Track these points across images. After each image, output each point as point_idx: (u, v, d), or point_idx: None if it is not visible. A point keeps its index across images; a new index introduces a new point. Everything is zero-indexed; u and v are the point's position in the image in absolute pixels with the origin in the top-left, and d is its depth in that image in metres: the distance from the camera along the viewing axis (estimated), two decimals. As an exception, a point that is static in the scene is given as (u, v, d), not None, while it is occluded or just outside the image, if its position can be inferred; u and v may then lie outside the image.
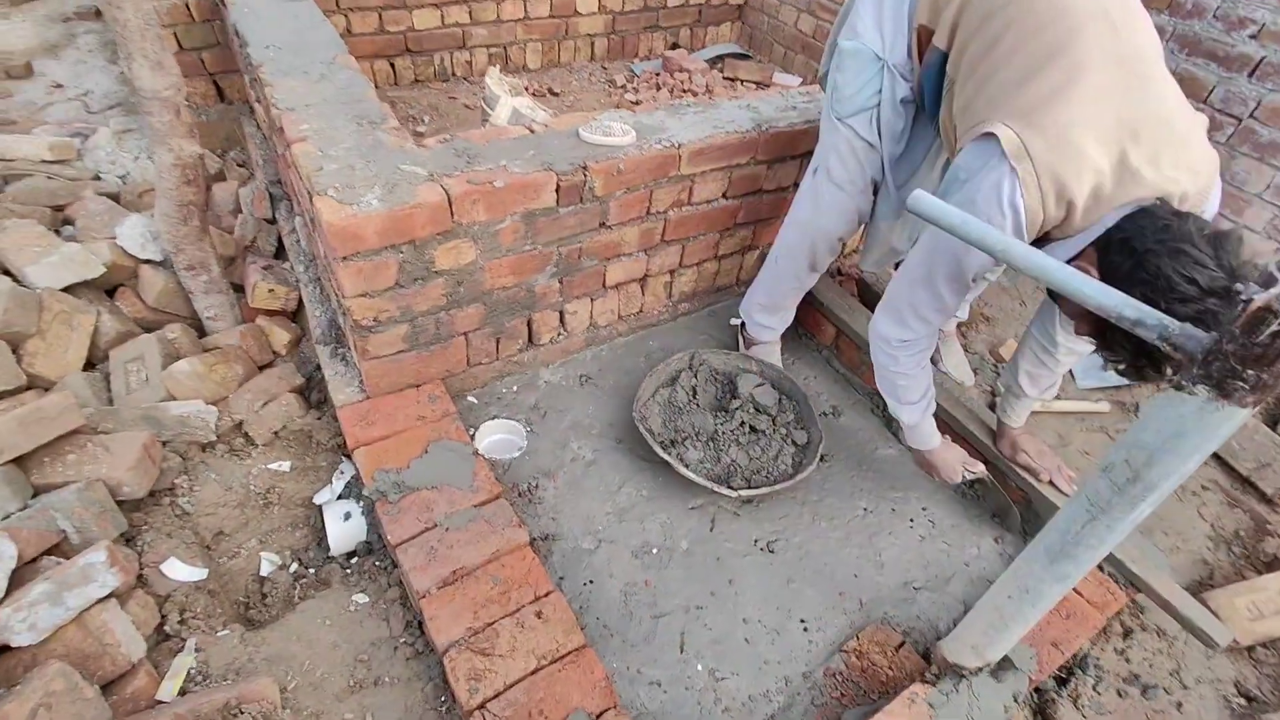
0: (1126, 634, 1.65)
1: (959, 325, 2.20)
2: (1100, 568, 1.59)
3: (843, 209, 1.67)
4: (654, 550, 1.65)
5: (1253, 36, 2.17)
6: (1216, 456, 2.00)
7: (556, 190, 1.67)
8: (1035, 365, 1.64)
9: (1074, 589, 1.54)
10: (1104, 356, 1.22)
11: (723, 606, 1.56)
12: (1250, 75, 2.20)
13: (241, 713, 1.23)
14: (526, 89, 3.26)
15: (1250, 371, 0.82)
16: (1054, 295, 1.42)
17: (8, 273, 1.90)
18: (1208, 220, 1.16)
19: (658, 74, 3.50)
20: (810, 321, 2.21)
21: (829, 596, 1.59)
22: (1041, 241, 1.29)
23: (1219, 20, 2.23)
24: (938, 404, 1.79)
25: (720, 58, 3.78)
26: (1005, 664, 1.38)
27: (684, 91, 3.30)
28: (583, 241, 1.82)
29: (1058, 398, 2.17)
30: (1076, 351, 1.57)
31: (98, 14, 4.12)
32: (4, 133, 2.82)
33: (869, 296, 2.40)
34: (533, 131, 1.79)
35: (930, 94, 1.45)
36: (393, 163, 1.58)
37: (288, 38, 2.07)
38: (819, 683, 1.45)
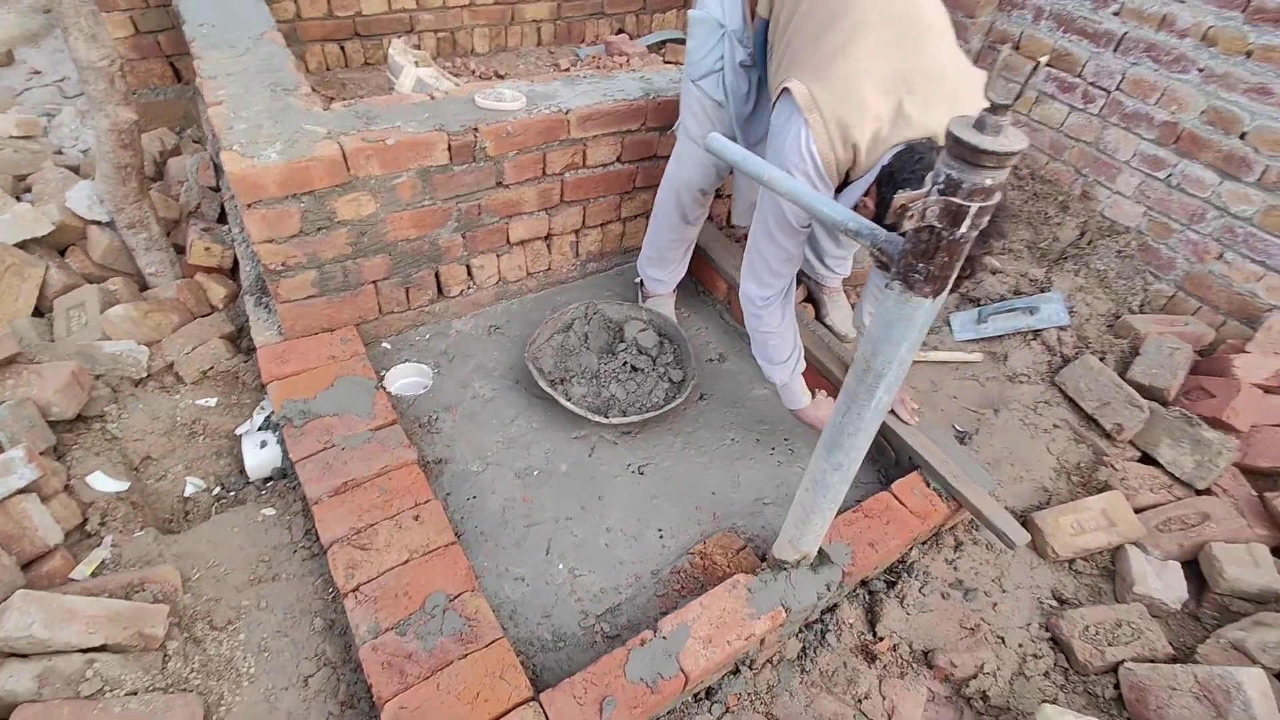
0: (957, 546, 1.84)
1: (844, 282, 2.38)
2: (926, 483, 1.77)
3: (700, 161, 1.85)
4: (535, 472, 1.84)
5: (1115, 13, 2.35)
6: (1068, 399, 2.18)
7: (449, 149, 1.85)
8: (875, 303, 1.82)
9: (897, 499, 1.72)
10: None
11: (590, 518, 1.75)
12: (1115, 49, 2.38)
13: (143, 590, 1.42)
14: (475, 72, 3.45)
15: (921, 264, 1.00)
16: None
17: (-36, 230, 2.10)
18: None
19: (600, 58, 3.68)
20: (706, 278, 2.39)
21: (686, 510, 1.78)
22: (845, 184, 1.48)
23: (1088, -1, 2.40)
24: (809, 347, 1.98)
25: (663, 43, 3.96)
26: (822, 558, 1.57)
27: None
28: (481, 199, 2.01)
29: (934, 348, 2.35)
30: None
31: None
32: (-26, 111, 3.01)
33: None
34: (433, 98, 1.98)
35: (760, 59, 1.64)
36: (298, 123, 1.77)
37: (221, 17, 2.26)
38: (665, 579, 1.64)
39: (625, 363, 2.00)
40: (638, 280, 2.31)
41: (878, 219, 1.36)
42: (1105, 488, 1.95)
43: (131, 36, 2.81)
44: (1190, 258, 2.40)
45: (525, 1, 3.62)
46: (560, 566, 1.64)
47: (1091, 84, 2.46)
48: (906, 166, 1.30)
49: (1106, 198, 2.55)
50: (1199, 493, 1.97)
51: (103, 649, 1.29)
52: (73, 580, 1.43)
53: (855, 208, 1.48)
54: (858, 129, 1.36)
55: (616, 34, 3.93)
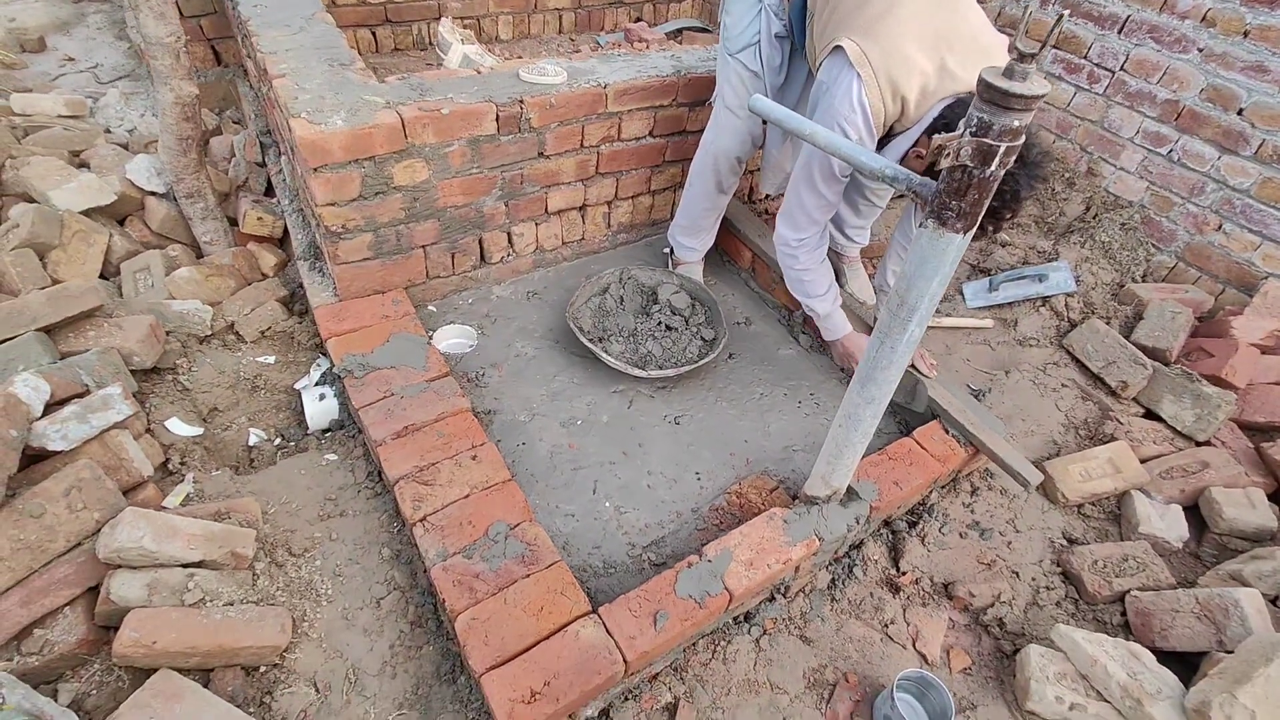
0: (974, 491, 1.97)
1: (861, 251, 2.50)
2: (945, 430, 1.90)
3: (736, 130, 1.98)
4: (579, 422, 1.96)
5: (1120, -3, 2.47)
6: (1076, 360, 2.31)
7: (496, 119, 1.98)
8: (898, 263, 1.96)
9: (919, 444, 1.85)
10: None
11: (632, 463, 1.87)
12: (1119, 32, 2.50)
13: (229, 517, 1.54)
14: (500, 58, 3.57)
15: (954, 202, 1.13)
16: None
17: (32, 198, 2.22)
18: None
19: (619, 45, 3.80)
20: (731, 248, 2.52)
21: (721, 456, 1.91)
22: (889, 137, 1.63)
23: (1094, -17, 2.53)
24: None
25: (680, 30, 4.08)
26: (851, 494, 1.69)
27: (642, 59, 3.60)
28: (524, 168, 2.13)
29: (948, 315, 2.48)
30: None
31: (106, -9, 4.41)
32: (23, 94, 3.14)
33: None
34: (479, 73, 2.10)
35: (797, 28, 1.77)
36: (357, 94, 1.89)
37: (273, -1, 2.38)
38: (704, 515, 1.77)
39: (660, 322, 2.13)
40: (667, 249, 2.44)
41: (931, 167, 1.50)
42: (1111, 439, 2.07)
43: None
44: (1190, 229, 2.52)
45: (548, -11, 3.74)
46: (607, 505, 1.77)
47: (1097, 65, 2.59)
48: (959, 117, 1.44)
49: (1111, 174, 2.68)
50: (1199, 444, 2.10)
51: (200, 565, 1.41)
52: (165, 508, 1.56)
53: (904, 159, 1.63)
54: (905, 83, 1.51)
55: (635, 22, 4.05)
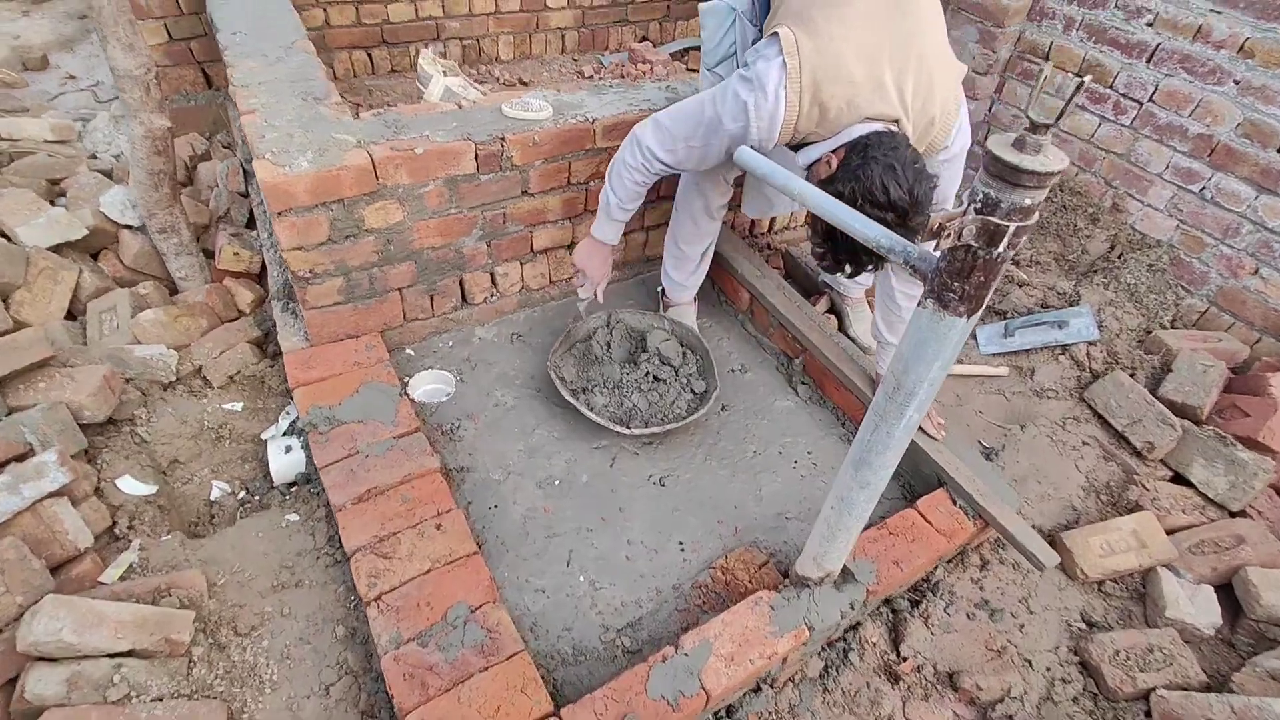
0: (983, 565, 1.81)
1: (866, 294, 2.36)
2: (952, 500, 1.75)
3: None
4: (556, 482, 1.84)
5: (1149, 24, 2.31)
6: (1098, 416, 2.14)
7: (475, 158, 1.86)
8: (886, 313, 1.82)
9: (923, 516, 1.70)
10: (814, 255, 1.47)
11: (611, 530, 1.74)
12: (1148, 61, 2.34)
13: (170, 595, 1.43)
14: (489, 76, 3.48)
15: (956, 284, 0.99)
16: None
17: (5, 234, 2.15)
18: (929, 159, 1.43)
19: (623, 65, 3.69)
20: (728, 289, 2.38)
21: (708, 524, 1.77)
22: (801, 145, 1.51)
23: (1120, 9, 2.36)
24: (832, 359, 1.97)
25: (685, 51, 3.96)
26: (846, 575, 1.55)
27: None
28: (506, 207, 2.01)
29: (959, 361, 2.32)
30: (910, 294, 1.75)
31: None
32: (11, 117, 3.08)
33: (796, 270, 2.57)
34: (460, 107, 1.99)
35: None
36: (328, 132, 1.79)
37: (254, 25, 2.29)
38: (686, 593, 1.63)
39: (648, 373, 2.00)
40: (659, 289, 2.31)
41: (833, 180, 1.39)
42: (1136, 508, 1.91)
43: (165, 44, 2.86)
44: (1224, 273, 2.35)
45: (550, 10, 3.64)
46: (581, 579, 1.64)
47: (1123, 95, 2.42)
48: (881, 147, 1.35)
49: (1137, 210, 2.51)
50: (1233, 514, 1.93)
51: (130, 654, 1.30)
52: (102, 584, 1.45)
53: (813, 164, 1.50)
54: (830, 89, 1.41)
55: (640, 41, 3.94)
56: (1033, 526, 1.89)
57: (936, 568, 1.77)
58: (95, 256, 2.30)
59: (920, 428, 1.85)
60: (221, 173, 2.61)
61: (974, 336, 2.41)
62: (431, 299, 2.09)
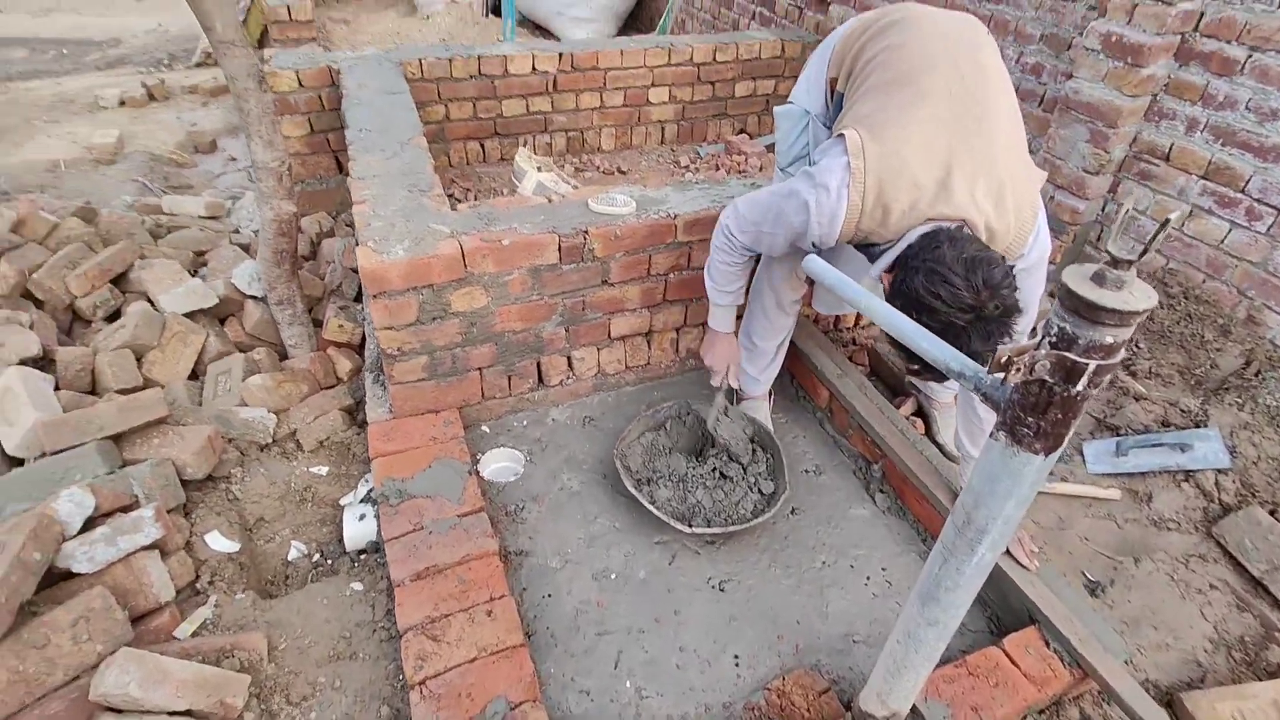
0: (1083, 721, 1.59)
1: (954, 397, 2.22)
2: (1046, 643, 1.56)
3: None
4: (613, 576, 1.80)
5: (1286, 127, 2.14)
6: (1229, 556, 1.88)
7: (559, 249, 1.94)
8: (967, 422, 1.71)
9: (1010, 660, 1.52)
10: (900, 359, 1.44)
11: (663, 633, 1.67)
12: (1286, 165, 2.15)
13: (232, 655, 1.49)
14: (600, 168, 3.66)
15: (1030, 419, 0.91)
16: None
17: (148, 299, 2.42)
18: (984, 246, 1.31)
19: (719, 156, 3.79)
20: (806, 385, 2.31)
21: (767, 637, 1.66)
22: (868, 247, 1.46)
23: (1251, 111, 2.21)
24: (914, 467, 1.86)
25: (784, 142, 4.03)
26: (915, 716, 1.40)
27: (739, 172, 3.56)
28: (586, 295, 2.07)
29: (1063, 479, 2.13)
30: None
31: (268, 103, 5.00)
32: (176, 195, 3.54)
33: (881, 368, 2.47)
34: (550, 201, 2.09)
35: None
36: (426, 222, 1.92)
37: (379, 123, 2.54)
38: (737, 715, 1.52)
39: (715, 469, 1.95)
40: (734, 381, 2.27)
41: (892, 297, 1.35)
42: (1278, 672, 1.63)
43: (306, 135, 3.21)
44: (1389, 400, 2.05)
45: (652, 105, 3.83)
46: (628, 684, 1.57)
47: (1257, 200, 2.23)
48: (920, 254, 1.30)
49: (1277, 324, 2.26)
50: None
51: (188, 714, 1.35)
52: (175, 638, 1.53)
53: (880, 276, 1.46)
54: (893, 192, 1.37)
55: (737, 134, 4.05)
56: (1145, 681, 1.66)
57: (1026, 718, 1.57)
58: (222, 322, 2.55)
59: (1009, 553, 1.69)
60: (338, 250, 2.86)
61: (1081, 452, 2.20)
62: (509, 379, 2.16)
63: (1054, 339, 0.85)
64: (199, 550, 1.79)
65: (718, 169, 3.65)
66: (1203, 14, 2.26)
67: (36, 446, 1.78)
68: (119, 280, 2.50)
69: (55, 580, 1.48)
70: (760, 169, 3.59)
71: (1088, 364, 0.83)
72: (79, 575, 1.48)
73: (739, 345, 1.97)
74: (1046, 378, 0.86)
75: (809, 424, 2.28)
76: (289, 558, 1.93)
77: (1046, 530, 2.00)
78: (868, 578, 1.81)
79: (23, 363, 2.04)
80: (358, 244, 1.83)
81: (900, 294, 1.30)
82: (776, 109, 1.82)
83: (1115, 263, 0.80)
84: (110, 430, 1.77)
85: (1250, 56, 2.18)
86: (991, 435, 0.98)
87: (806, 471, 2.10)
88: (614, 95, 3.71)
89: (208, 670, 1.39)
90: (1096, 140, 2.50)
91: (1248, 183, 2.25)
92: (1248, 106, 2.21)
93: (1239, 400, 2.21)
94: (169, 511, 1.72)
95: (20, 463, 1.83)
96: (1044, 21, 2.76)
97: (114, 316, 2.44)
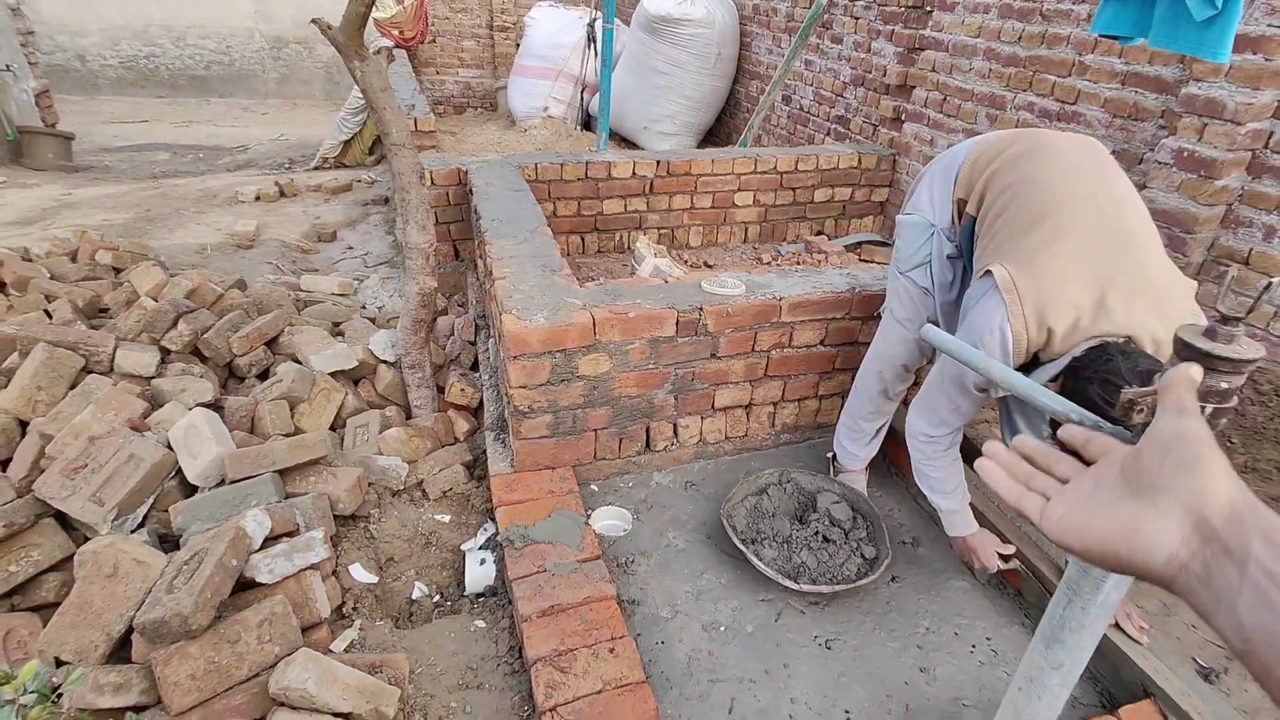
0: (1208, 805, 1.56)
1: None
2: (1163, 715, 1.56)
3: (904, 340, 1.99)
4: (721, 628, 1.88)
5: (1364, 234, 2.25)
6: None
7: (676, 323, 2.16)
8: None
9: (1128, 728, 1.53)
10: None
11: (774, 684, 1.73)
12: (1368, 269, 2.25)
13: (381, 671, 1.63)
14: (679, 259, 3.96)
15: (1153, 457, 1.03)
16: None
17: (295, 360, 2.73)
18: (1154, 359, 1.37)
19: (799, 255, 4.06)
20: (900, 461, 2.42)
21: (876, 696, 1.71)
22: (1033, 363, 1.55)
23: (1328, 219, 2.33)
24: (1014, 541, 1.93)
25: (860, 244, 4.28)
26: (1036, 777, 1.42)
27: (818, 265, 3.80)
28: (695, 367, 2.27)
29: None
30: None
31: (386, 201, 5.59)
32: (311, 275, 3.96)
33: (970, 452, 2.56)
34: (666, 282, 2.34)
35: (967, 251, 1.80)
36: (560, 296, 2.18)
37: (508, 214, 2.89)
38: (852, 767, 1.56)
39: (817, 532, 2.05)
40: (830, 454, 2.40)
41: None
42: None
43: (433, 225, 3.61)
44: None
45: (737, 207, 4.16)
46: (742, 730, 1.63)
47: (1341, 301, 2.32)
48: (1093, 365, 1.37)
49: (1376, 422, 2.28)
50: None
51: (348, 716, 1.48)
52: (331, 651, 1.68)
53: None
54: (1054, 315, 1.46)
55: (816, 235, 4.33)
56: (1271, 770, 1.62)
57: (1146, 795, 1.56)
58: (357, 383, 2.83)
59: (1119, 627, 1.72)
60: (459, 325, 3.16)
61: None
62: (620, 441, 2.33)
63: (1173, 384, 0.99)
64: (344, 579, 1.96)
65: (799, 264, 3.90)
66: (1273, 133, 2.44)
67: (215, 477, 2.03)
68: (270, 343, 2.84)
69: (234, 591, 1.67)
70: (842, 265, 3.83)
71: (1205, 407, 0.97)
72: (257, 586, 1.67)
73: (966, 514, 1.94)
74: (1167, 418, 1.00)
75: (903, 498, 2.36)
76: (413, 596, 2.08)
77: (1151, 615, 2.00)
78: (973, 646, 1.84)
79: (200, 406, 2.33)
80: (502, 313, 2.09)
81: (1072, 397, 1.35)
82: (900, 218, 1.97)
83: (1225, 320, 0.95)
84: (280, 465, 2.00)
85: (1322, 170, 2.34)
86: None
87: (904, 543, 2.18)
88: (703, 198, 4.06)
89: (367, 679, 1.53)
90: (1174, 245, 2.65)
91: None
92: (1324, 213, 2.34)
93: (1343, 496, 2.20)
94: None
95: (195, 490, 2.07)
96: (1114, 139, 2.99)
97: (264, 375, 2.75)
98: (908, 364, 2.05)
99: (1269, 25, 2.29)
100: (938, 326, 2.00)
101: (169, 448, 2.09)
